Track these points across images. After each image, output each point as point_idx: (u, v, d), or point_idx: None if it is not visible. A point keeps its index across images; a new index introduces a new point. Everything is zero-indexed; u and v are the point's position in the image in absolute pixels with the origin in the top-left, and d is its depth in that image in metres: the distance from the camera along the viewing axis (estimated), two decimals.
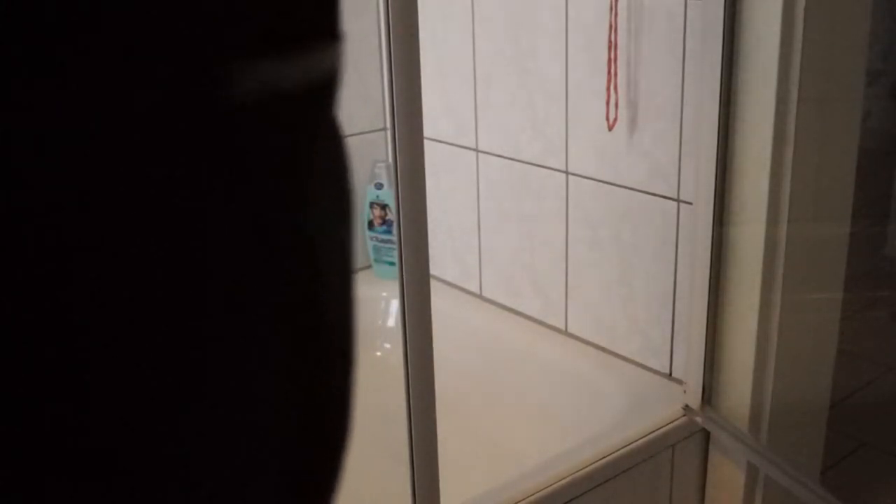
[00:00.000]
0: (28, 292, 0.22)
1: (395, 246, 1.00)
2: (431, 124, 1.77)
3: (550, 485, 1.24)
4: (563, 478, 1.25)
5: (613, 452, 1.31)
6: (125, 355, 0.24)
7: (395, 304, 1.86)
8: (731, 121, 1.29)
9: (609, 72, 1.42)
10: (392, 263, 1.88)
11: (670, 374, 1.49)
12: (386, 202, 1.88)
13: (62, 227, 0.23)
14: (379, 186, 1.88)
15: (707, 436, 1.43)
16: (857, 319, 2.30)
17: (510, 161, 1.67)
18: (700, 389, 1.40)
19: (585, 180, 1.54)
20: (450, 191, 1.81)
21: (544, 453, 1.31)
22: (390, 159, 1.24)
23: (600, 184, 1.52)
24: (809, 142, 1.30)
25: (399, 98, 0.93)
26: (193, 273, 0.25)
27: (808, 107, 1.26)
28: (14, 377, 0.22)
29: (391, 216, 1.87)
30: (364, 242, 1.93)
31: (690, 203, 1.38)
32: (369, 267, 1.94)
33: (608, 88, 1.43)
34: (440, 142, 1.80)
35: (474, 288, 1.84)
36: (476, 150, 1.74)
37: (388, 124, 1.48)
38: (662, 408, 1.42)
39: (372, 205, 1.90)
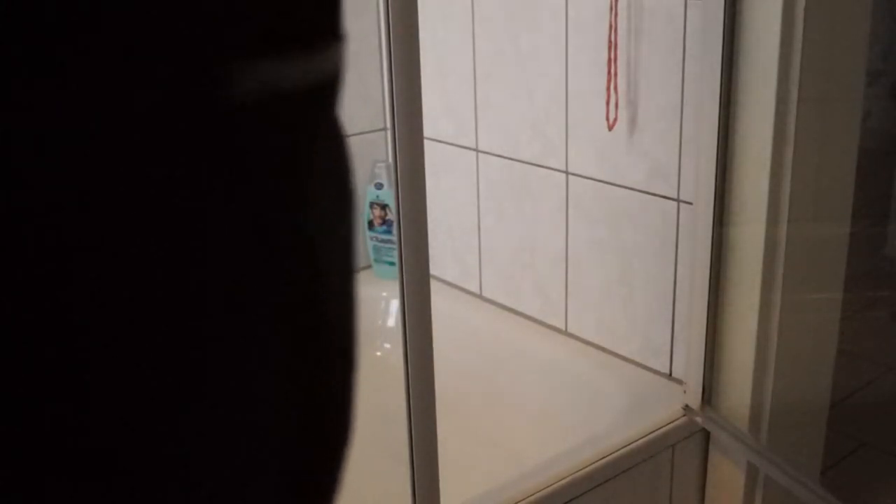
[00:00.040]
0: (28, 292, 0.22)
1: (395, 246, 1.00)
2: (431, 124, 1.77)
3: (550, 485, 1.24)
4: (563, 478, 1.25)
5: (613, 452, 1.31)
6: (125, 355, 0.24)
7: (395, 304, 1.86)
8: (731, 121, 1.29)
9: (609, 72, 1.42)
10: (392, 263, 1.88)
11: (670, 374, 1.49)
12: (386, 202, 1.88)
13: (62, 227, 0.23)
14: (379, 186, 1.88)
15: (707, 436, 1.43)
16: (857, 319, 2.30)
17: (510, 161, 1.67)
18: (700, 389, 1.40)
19: (585, 180, 1.54)
20: (450, 191, 1.81)
21: (544, 453, 1.31)
22: (390, 159, 1.24)
23: (600, 184, 1.52)
24: (809, 142, 1.30)
25: (399, 98, 0.93)
26: (193, 273, 0.25)
27: (808, 107, 1.26)
28: (14, 377, 0.22)
29: (391, 216, 1.87)
30: (364, 242, 1.93)
31: (690, 203, 1.38)
32: (369, 267, 1.94)
33: (608, 88, 1.43)
34: (440, 142, 1.80)
35: (474, 288, 1.84)
36: (476, 150, 1.74)
37: (388, 124, 1.48)
38: (662, 408, 1.42)
39: (372, 205, 1.90)
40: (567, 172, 1.57)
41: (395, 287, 1.03)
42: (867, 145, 1.52)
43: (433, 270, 1.31)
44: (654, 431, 1.36)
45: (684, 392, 1.43)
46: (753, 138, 1.28)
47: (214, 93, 0.25)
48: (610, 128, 1.46)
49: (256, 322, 0.28)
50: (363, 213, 1.92)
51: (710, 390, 1.41)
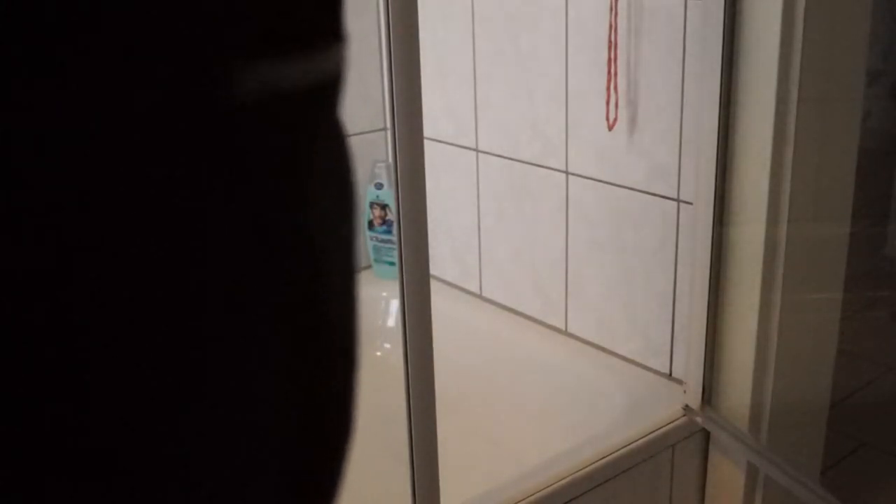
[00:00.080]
0: (28, 292, 0.22)
1: (395, 246, 1.00)
2: (431, 124, 1.77)
3: (550, 485, 1.24)
4: (563, 478, 1.25)
5: (613, 452, 1.31)
6: (125, 355, 0.24)
7: (395, 304, 1.86)
8: (731, 121, 1.29)
9: (609, 72, 1.42)
10: (392, 263, 1.88)
11: (670, 374, 1.49)
12: (386, 202, 1.88)
13: (62, 227, 0.23)
14: (379, 186, 1.88)
15: (707, 436, 1.43)
16: (857, 319, 2.30)
17: (510, 161, 1.67)
18: (700, 389, 1.40)
19: (585, 180, 1.54)
20: (450, 191, 1.81)
21: (544, 453, 1.31)
22: (390, 159, 1.24)
23: (600, 184, 1.52)
24: (809, 142, 1.30)
25: (399, 98, 0.93)
26: (193, 273, 0.25)
27: (808, 107, 1.26)
28: (14, 377, 0.22)
29: (391, 216, 1.87)
30: (364, 242, 1.93)
31: (690, 203, 1.38)
32: (369, 267, 1.94)
33: (608, 88, 1.43)
34: (440, 142, 1.80)
35: (474, 288, 1.84)
36: (476, 150, 1.74)
37: (388, 124, 1.48)
38: (662, 408, 1.42)
39: (372, 205, 1.90)
40: (567, 172, 1.57)
41: (395, 287, 1.03)
42: (867, 145, 1.52)
43: (433, 270, 1.31)
44: (654, 431, 1.36)
45: (684, 392, 1.43)
46: (753, 138, 1.28)
47: (214, 93, 0.25)
48: (610, 128, 1.46)
49: (257, 322, 0.28)
50: (363, 212, 1.92)
51: (710, 390, 1.41)
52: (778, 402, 1.39)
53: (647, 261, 1.48)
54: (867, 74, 1.66)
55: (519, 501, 1.20)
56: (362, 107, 1.88)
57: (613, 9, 1.39)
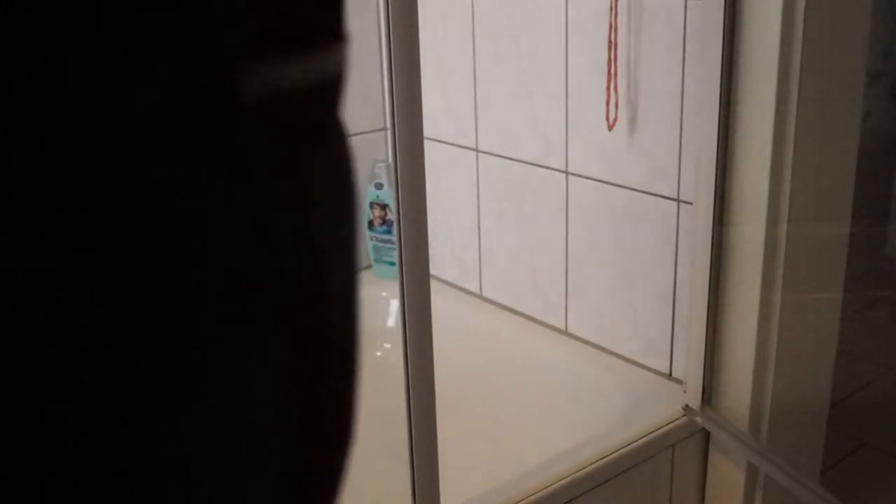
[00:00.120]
0: (28, 292, 0.22)
1: (395, 246, 1.00)
2: (431, 124, 1.77)
3: (550, 485, 1.24)
4: (563, 478, 1.25)
5: (613, 452, 1.31)
6: (125, 355, 0.24)
7: (395, 304, 1.86)
8: (731, 121, 1.29)
9: (609, 72, 1.42)
10: (392, 263, 1.88)
11: (670, 374, 1.49)
12: (386, 202, 1.88)
13: (62, 227, 0.23)
14: (379, 186, 1.88)
15: (707, 436, 1.43)
16: (857, 319, 2.30)
17: (510, 161, 1.67)
18: (700, 389, 1.40)
19: (585, 180, 1.54)
20: (450, 191, 1.81)
21: (544, 453, 1.31)
22: (390, 159, 1.24)
23: (600, 184, 1.52)
24: (809, 142, 1.30)
25: (399, 98, 0.93)
26: (193, 273, 0.25)
27: (808, 107, 1.26)
28: (14, 377, 0.22)
29: (391, 216, 1.87)
30: (364, 242, 1.93)
31: (690, 203, 1.38)
32: (369, 267, 1.94)
33: (608, 88, 1.43)
34: (440, 142, 1.80)
35: (474, 288, 1.84)
36: (476, 150, 1.74)
37: (388, 124, 1.48)
38: (662, 408, 1.41)
39: (372, 205, 1.90)
40: (567, 172, 1.57)
41: (395, 287, 1.03)
42: (867, 145, 1.52)
43: (433, 270, 1.31)
44: (654, 431, 1.36)
45: (684, 392, 1.43)
46: (753, 138, 1.28)
47: (214, 93, 0.25)
48: (610, 128, 1.46)
49: (256, 322, 0.28)
50: (364, 212, 1.92)
51: (710, 390, 1.41)
52: (778, 402, 1.39)
53: (647, 261, 1.48)
54: (867, 74, 1.66)
55: (519, 501, 1.20)
56: (362, 107, 1.88)
57: (613, 9, 1.39)
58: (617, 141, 1.47)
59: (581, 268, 1.60)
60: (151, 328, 0.25)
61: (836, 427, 1.68)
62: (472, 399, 1.66)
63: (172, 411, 0.26)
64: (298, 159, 0.29)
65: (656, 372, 1.51)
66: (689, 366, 1.42)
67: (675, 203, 1.41)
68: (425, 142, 0.97)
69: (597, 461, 1.29)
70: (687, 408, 1.41)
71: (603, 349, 1.59)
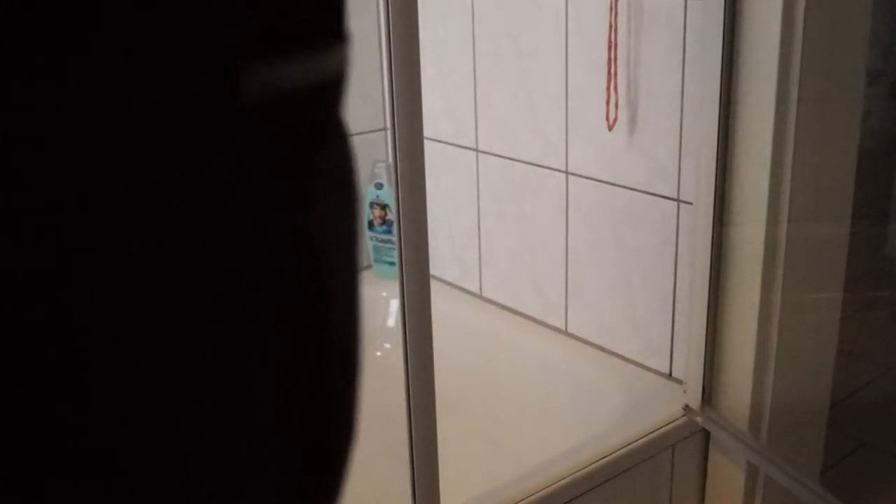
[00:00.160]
0: (28, 292, 0.22)
1: (395, 246, 1.00)
2: (431, 124, 1.77)
3: (550, 485, 1.24)
4: (563, 478, 1.25)
5: (613, 452, 1.31)
6: (125, 355, 0.24)
7: (395, 304, 1.86)
8: (731, 121, 1.29)
9: (609, 72, 1.42)
10: (392, 263, 1.88)
11: (670, 374, 1.49)
12: (386, 202, 1.88)
13: (62, 227, 0.23)
14: (379, 186, 1.88)
15: (707, 436, 1.43)
16: (857, 319, 2.30)
17: (510, 161, 1.67)
18: (700, 389, 1.40)
19: (585, 180, 1.54)
20: (450, 191, 1.81)
21: (544, 453, 1.31)
22: (390, 159, 1.24)
23: (600, 184, 1.52)
24: (809, 142, 1.30)
25: (399, 98, 0.93)
26: (193, 273, 0.25)
27: (808, 107, 1.26)
28: (14, 377, 0.22)
29: (391, 216, 1.87)
30: (364, 242, 1.93)
31: (690, 203, 1.38)
32: (369, 267, 1.94)
33: (608, 88, 1.43)
34: (440, 142, 1.80)
35: (474, 288, 1.84)
36: (476, 150, 1.74)
37: (388, 124, 1.48)
38: (662, 408, 1.42)
39: (372, 205, 1.90)
40: (567, 172, 1.57)
41: (395, 287, 1.03)
42: (867, 145, 1.52)
43: (433, 270, 1.31)
44: (654, 431, 1.36)
45: (684, 392, 1.43)
46: (753, 138, 1.28)
47: (214, 93, 0.25)
48: (610, 128, 1.46)
49: (256, 322, 0.28)
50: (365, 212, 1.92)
51: (710, 390, 1.41)
52: (778, 402, 1.39)
53: (647, 261, 1.48)
54: (867, 74, 1.66)
55: (519, 501, 1.20)
56: (362, 107, 1.88)
57: (613, 9, 1.39)
58: (617, 141, 1.47)
59: (581, 268, 1.60)
60: (151, 328, 0.25)
61: (836, 427, 1.68)
62: (472, 399, 1.66)
63: (172, 411, 0.26)
64: (299, 159, 0.29)
65: (656, 372, 1.51)
66: (689, 366, 1.42)
67: (675, 203, 1.41)
68: (425, 142, 0.97)
69: (597, 461, 1.29)
70: (687, 408, 1.41)
71: (603, 349, 1.59)
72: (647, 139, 1.42)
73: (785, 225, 1.31)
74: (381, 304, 1.88)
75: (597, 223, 1.54)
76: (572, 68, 1.51)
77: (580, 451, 1.30)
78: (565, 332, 1.66)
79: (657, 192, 1.43)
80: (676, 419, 1.39)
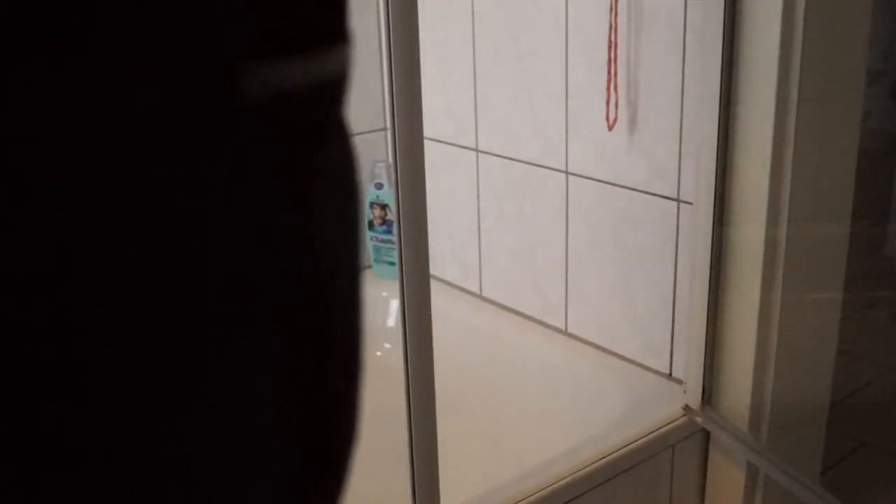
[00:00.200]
0: (28, 292, 0.22)
1: (395, 246, 1.00)
2: (431, 124, 1.77)
3: (550, 485, 1.24)
4: (563, 478, 1.25)
5: (613, 452, 1.31)
6: (125, 355, 0.24)
7: (395, 304, 1.85)
8: (731, 121, 1.29)
9: (609, 72, 1.42)
10: (392, 263, 1.88)
11: (670, 374, 1.49)
12: (386, 202, 1.88)
13: (62, 227, 0.23)
14: (379, 186, 1.88)
15: (707, 436, 1.43)
16: (857, 319, 2.30)
17: (510, 161, 1.67)
18: (700, 389, 1.40)
19: (585, 180, 1.54)
20: (450, 191, 1.81)
21: (544, 453, 1.31)
22: (390, 159, 1.24)
23: (600, 184, 1.52)
24: (809, 142, 1.30)
25: (399, 98, 0.93)
26: (193, 273, 0.25)
27: (808, 107, 1.26)
28: (14, 377, 0.22)
29: (391, 216, 1.87)
30: (364, 242, 1.93)
31: (690, 203, 1.38)
32: (369, 267, 1.94)
33: (608, 88, 1.43)
34: (440, 142, 1.80)
35: (474, 288, 1.84)
36: (476, 150, 1.74)
37: (388, 124, 1.48)
38: (662, 408, 1.41)
39: (372, 205, 1.90)
40: (567, 172, 1.57)
41: (395, 287, 1.03)
42: (867, 145, 1.52)
43: (433, 270, 1.31)
44: (654, 431, 1.36)
45: (684, 392, 1.43)
46: (753, 138, 1.28)
47: (214, 93, 0.25)
48: (610, 128, 1.46)
49: (256, 322, 0.28)
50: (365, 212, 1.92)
51: (710, 390, 1.41)
52: (778, 402, 1.39)
53: (647, 261, 1.48)
54: (867, 74, 1.66)
55: (519, 501, 1.20)
56: (362, 107, 1.88)
57: (613, 9, 1.39)
58: (617, 141, 1.47)
59: (581, 268, 1.60)
60: (151, 328, 0.25)
61: (836, 427, 1.68)
62: (472, 399, 1.66)
63: (173, 411, 0.26)
64: (299, 159, 0.29)
65: (656, 372, 1.51)
66: (689, 366, 1.42)
67: (675, 203, 1.41)
68: (425, 142, 0.97)
69: (597, 461, 1.29)
70: (687, 408, 1.41)
71: (603, 349, 1.59)
72: (647, 139, 1.42)
73: (785, 225, 1.31)
74: (381, 304, 1.88)
75: (597, 223, 1.54)
76: (572, 68, 1.51)
77: (580, 451, 1.30)
78: (565, 332, 1.66)
79: (657, 192, 1.43)
80: (676, 419, 1.39)
